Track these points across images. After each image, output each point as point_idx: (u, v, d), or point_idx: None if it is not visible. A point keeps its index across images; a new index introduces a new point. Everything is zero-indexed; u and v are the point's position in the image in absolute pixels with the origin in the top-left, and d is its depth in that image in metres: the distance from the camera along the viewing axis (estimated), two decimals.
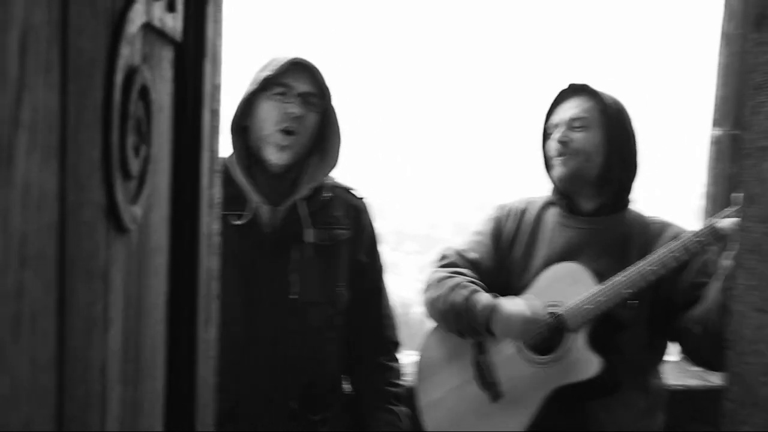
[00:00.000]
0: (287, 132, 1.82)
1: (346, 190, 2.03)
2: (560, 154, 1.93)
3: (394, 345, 2.10)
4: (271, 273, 1.83)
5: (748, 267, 1.18)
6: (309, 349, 1.87)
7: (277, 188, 1.88)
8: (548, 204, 2.07)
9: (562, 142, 1.92)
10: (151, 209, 0.76)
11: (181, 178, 0.87)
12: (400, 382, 2.05)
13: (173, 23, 0.80)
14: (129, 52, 0.65)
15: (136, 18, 0.66)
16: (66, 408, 0.53)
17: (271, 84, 1.83)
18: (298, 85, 1.84)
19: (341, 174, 2.06)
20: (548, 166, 2.01)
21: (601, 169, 1.91)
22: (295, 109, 1.81)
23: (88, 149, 0.56)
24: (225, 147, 1.85)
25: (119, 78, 0.62)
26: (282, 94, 1.83)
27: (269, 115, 1.83)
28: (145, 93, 0.70)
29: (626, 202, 1.96)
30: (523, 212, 2.09)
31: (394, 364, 2.07)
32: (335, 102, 1.91)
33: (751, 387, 1.15)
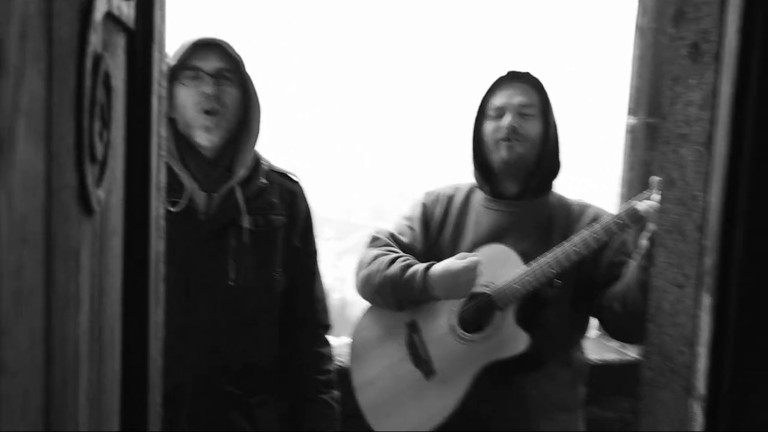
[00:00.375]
0: (208, 113, 1.82)
1: (282, 175, 2.05)
2: (507, 139, 1.98)
3: (325, 328, 2.13)
4: (207, 260, 1.84)
5: (668, 246, 1.27)
6: (246, 334, 1.89)
7: (212, 174, 1.88)
8: (473, 189, 2.14)
9: (512, 128, 1.98)
10: (110, 193, 0.77)
11: (132, 163, 0.88)
12: (332, 368, 2.09)
13: (128, 11, 0.81)
14: (96, 40, 0.66)
15: (101, 6, 0.67)
16: (51, 382, 0.54)
17: (180, 70, 1.83)
18: (207, 64, 1.83)
19: (273, 158, 2.07)
20: (484, 148, 2.05)
21: (537, 156, 1.99)
22: (209, 88, 1.81)
23: (66, 134, 0.57)
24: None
25: (89, 65, 0.63)
26: (193, 77, 1.83)
27: (187, 101, 1.83)
28: (107, 80, 0.71)
29: (549, 186, 2.05)
30: (451, 198, 2.16)
31: (326, 350, 2.10)
32: (250, 72, 1.91)
33: (669, 355, 1.25)
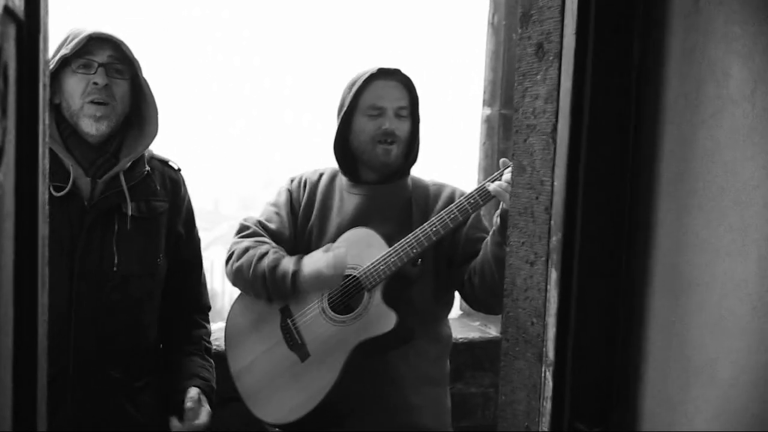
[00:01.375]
0: (97, 103, 1.82)
1: (164, 163, 2.06)
2: (387, 142, 2.04)
3: (207, 309, 2.17)
4: (91, 245, 1.83)
5: (520, 227, 1.39)
6: (130, 319, 1.89)
7: (96, 161, 1.87)
8: (336, 173, 2.20)
9: (392, 132, 2.04)
10: (5, 177, 0.77)
11: (21, 149, 0.88)
12: (212, 344, 2.12)
13: (19, 3, 0.81)
14: None
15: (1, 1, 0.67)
16: None
17: (73, 58, 1.82)
18: (100, 56, 1.83)
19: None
20: (355, 141, 2.08)
21: (404, 153, 2.09)
22: (99, 79, 1.81)
23: None
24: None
25: None
26: (85, 66, 1.83)
27: (75, 90, 1.82)
28: (5, 70, 0.72)
29: (407, 170, 2.15)
30: (315, 182, 2.21)
31: (208, 325, 2.14)
32: (145, 72, 1.92)
33: (523, 327, 1.37)
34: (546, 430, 1.28)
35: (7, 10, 0.72)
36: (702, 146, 1.05)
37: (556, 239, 1.26)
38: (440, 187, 2.15)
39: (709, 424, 1.02)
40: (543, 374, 1.30)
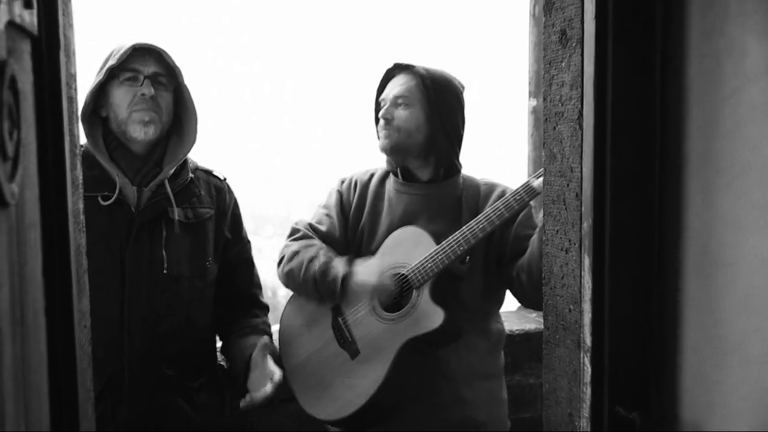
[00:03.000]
0: (146, 110, 1.90)
1: (208, 173, 2.14)
2: (384, 129, 2.10)
3: (266, 308, 2.24)
4: (141, 250, 1.91)
5: (554, 215, 1.40)
6: (182, 320, 1.96)
7: (142, 170, 1.95)
8: (386, 173, 2.24)
9: (386, 119, 2.10)
10: (24, 188, 0.83)
11: (46, 161, 0.94)
12: (267, 323, 2.19)
13: (30, 18, 0.87)
14: None
15: (2, 16, 0.73)
16: None
17: (119, 71, 1.90)
18: (145, 67, 1.92)
19: (201, 157, 2.16)
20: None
21: (423, 142, 2.10)
22: (146, 90, 1.89)
23: None
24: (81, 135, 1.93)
25: None
26: (131, 79, 1.91)
27: (123, 101, 1.90)
28: (13, 83, 0.77)
29: (456, 169, 2.17)
30: (365, 183, 2.25)
31: (266, 318, 2.21)
32: (186, 81, 2.00)
33: (561, 314, 1.38)
34: (587, 415, 1.28)
35: (13, 24, 0.78)
36: (725, 124, 1.04)
37: (587, 225, 1.26)
38: (491, 187, 2.16)
39: (744, 401, 1.01)
40: (582, 360, 1.30)
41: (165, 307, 1.93)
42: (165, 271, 1.92)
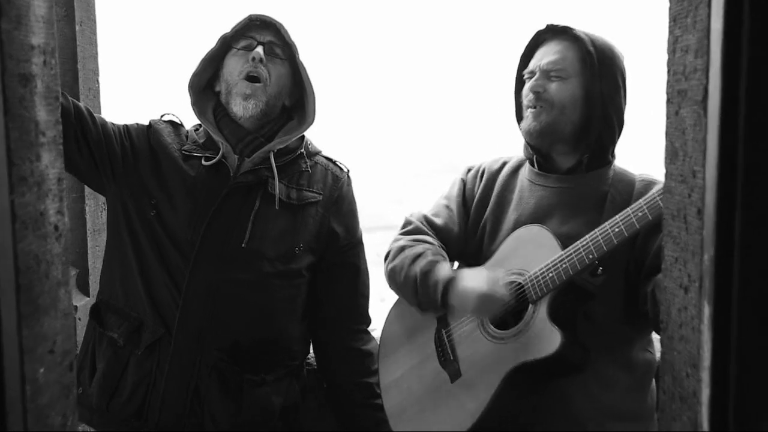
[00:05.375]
0: (251, 79, 1.77)
1: (330, 160, 1.97)
2: (532, 106, 1.73)
3: (367, 326, 2.00)
4: (224, 218, 1.75)
5: (673, 235, 0.99)
6: (254, 306, 1.76)
7: (245, 139, 1.82)
8: (521, 162, 1.89)
9: (536, 92, 1.72)
10: None
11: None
12: (376, 369, 1.94)
13: None
14: None
15: None
16: None
17: (234, 40, 1.82)
18: (261, 35, 1.81)
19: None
20: (520, 117, 1.82)
21: (577, 124, 1.71)
22: (257, 54, 1.77)
23: None
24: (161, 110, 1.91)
25: None
26: (246, 47, 1.80)
27: (234, 68, 1.80)
28: None
29: (607, 158, 1.75)
30: (494, 172, 1.91)
31: (371, 347, 1.97)
32: (302, 58, 1.84)
33: (678, 378, 0.97)
34: None
35: None
36: None
37: (707, 258, 0.85)
38: (649, 183, 1.70)
39: None
40: None
41: (235, 285, 1.73)
42: (243, 245, 1.73)
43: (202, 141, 1.85)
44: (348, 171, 1.98)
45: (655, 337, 1.76)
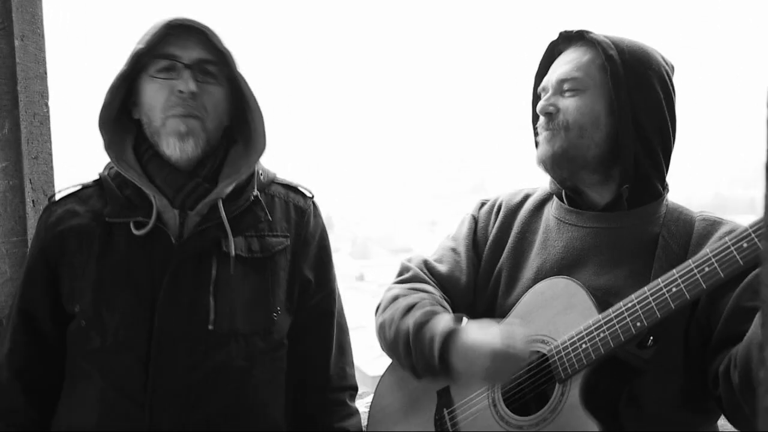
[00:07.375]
0: (183, 116, 1.39)
1: (289, 188, 1.60)
2: (544, 129, 1.40)
3: (351, 392, 1.64)
4: (178, 298, 1.39)
5: None
6: (231, 396, 1.41)
7: (185, 188, 1.43)
8: (547, 196, 1.54)
9: (547, 114, 1.40)
10: None
11: None
12: None
13: None
14: None
15: None
16: None
17: (150, 59, 1.41)
18: (186, 52, 1.40)
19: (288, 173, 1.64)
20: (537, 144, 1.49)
21: (603, 146, 1.36)
22: (184, 85, 1.38)
23: None
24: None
25: None
26: (167, 69, 1.40)
27: (156, 101, 1.40)
28: None
29: (657, 190, 1.39)
30: (513, 208, 1.57)
31: (353, 422, 1.61)
32: (243, 70, 1.45)
33: None
34: None
35: None
36: None
37: None
38: (713, 224, 1.35)
39: None
40: None
41: (207, 376, 1.38)
42: (211, 327, 1.38)
43: (126, 194, 1.45)
44: (312, 196, 1.62)
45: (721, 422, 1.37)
